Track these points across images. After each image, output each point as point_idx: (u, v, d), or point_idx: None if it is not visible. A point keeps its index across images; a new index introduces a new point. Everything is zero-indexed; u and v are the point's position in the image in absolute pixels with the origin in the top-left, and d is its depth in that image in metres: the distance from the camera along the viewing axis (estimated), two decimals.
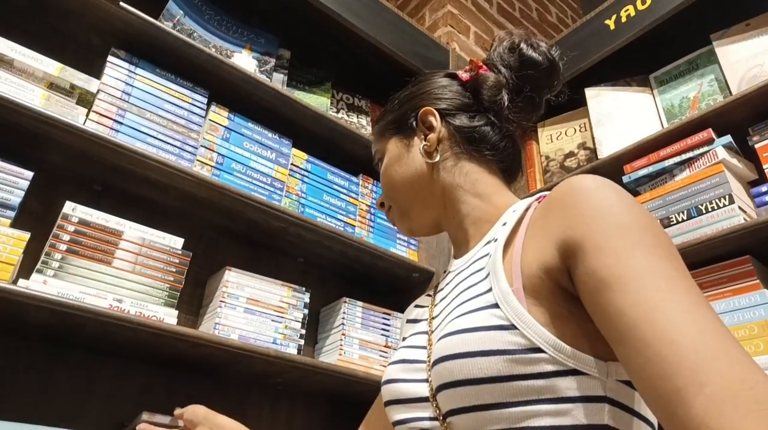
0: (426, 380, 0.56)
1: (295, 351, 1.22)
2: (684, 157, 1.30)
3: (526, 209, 0.58)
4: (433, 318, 0.64)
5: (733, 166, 1.24)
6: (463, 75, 0.71)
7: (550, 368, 0.46)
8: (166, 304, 1.08)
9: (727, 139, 1.25)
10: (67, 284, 0.97)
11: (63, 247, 1.00)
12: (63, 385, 1.07)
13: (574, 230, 0.47)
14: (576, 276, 0.46)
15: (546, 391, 0.46)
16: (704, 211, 1.21)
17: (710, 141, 1.26)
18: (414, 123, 0.71)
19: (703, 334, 0.37)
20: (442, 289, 0.68)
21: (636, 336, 0.39)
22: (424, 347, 0.60)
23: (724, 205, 1.18)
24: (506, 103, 0.68)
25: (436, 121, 0.69)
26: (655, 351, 0.38)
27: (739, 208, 1.16)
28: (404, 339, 0.69)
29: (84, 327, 0.98)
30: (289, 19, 1.56)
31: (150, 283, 1.07)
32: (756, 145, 1.22)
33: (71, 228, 1.02)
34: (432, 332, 0.61)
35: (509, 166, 0.71)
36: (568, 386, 0.46)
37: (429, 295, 0.73)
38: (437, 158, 0.68)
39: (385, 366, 1.37)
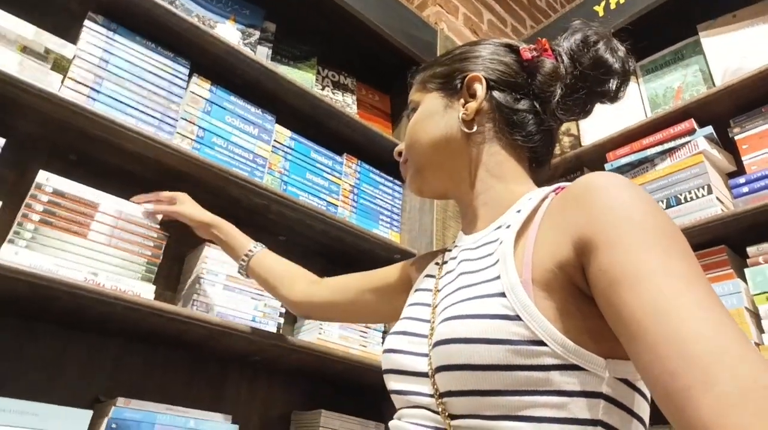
0: (426, 355, 0.56)
1: (274, 329, 1.21)
2: (666, 146, 1.31)
3: (542, 200, 0.57)
4: (438, 290, 0.63)
5: (713, 157, 1.26)
6: (526, 53, 0.67)
7: (550, 361, 0.46)
8: (144, 278, 1.05)
9: (709, 130, 1.26)
10: (40, 255, 0.94)
11: (36, 217, 0.97)
12: (36, 359, 1.04)
13: (590, 227, 0.47)
14: (590, 273, 0.46)
15: (544, 383, 0.46)
16: (683, 201, 1.23)
17: (692, 131, 1.28)
18: (459, 85, 0.68)
19: (716, 333, 0.37)
20: (447, 262, 0.67)
21: (647, 333, 0.39)
22: (427, 321, 0.60)
23: (703, 196, 1.20)
24: (557, 97, 0.64)
25: (481, 90, 0.66)
26: (666, 349, 0.38)
27: (717, 198, 1.19)
28: (409, 306, 0.67)
29: (58, 300, 0.96)
30: None
31: (127, 257, 1.05)
32: (736, 137, 1.24)
33: (45, 198, 0.99)
34: (435, 306, 0.60)
35: (538, 158, 0.69)
36: (566, 380, 0.46)
37: (437, 263, 0.71)
38: (474, 129, 0.65)
39: (364, 346, 1.37)
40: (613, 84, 0.65)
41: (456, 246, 0.67)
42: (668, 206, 1.25)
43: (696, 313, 0.38)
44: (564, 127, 1.66)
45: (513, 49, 0.69)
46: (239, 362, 1.30)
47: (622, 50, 0.65)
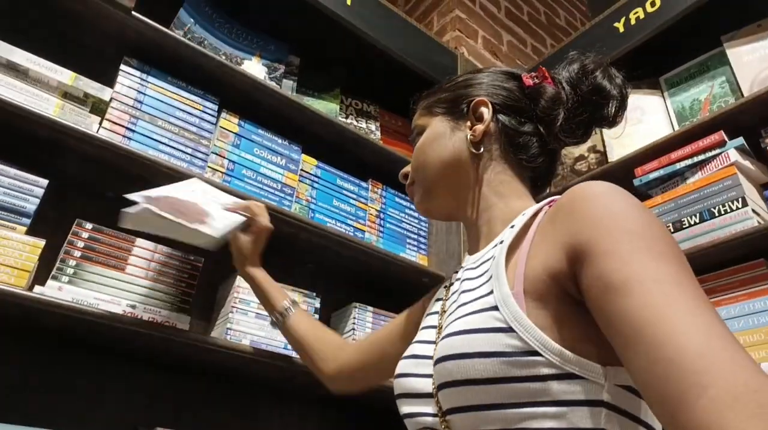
0: (431, 375, 0.57)
1: None
2: (696, 159, 1.29)
3: (536, 213, 0.58)
4: (444, 311, 0.64)
5: (746, 169, 1.23)
6: (528, 80, 0.70)
7: (546, 371, 0.46)
8: (179, 309, 1.08)
9: (740, 141, 1.24)
10: (81, 290, 0.98)
11: (77, 253, 1.01)
12: (76, 389, 1.08)
13: (582, 235, 0.47)
14: (583, 280, 0.46)
15: (542, 394, 0.46)
16: (717, 215, 1.20)
17: (722, 143, 1.25)
18: (465, 109, 0.71)
19: (709, 338, 0.37)
20: (454, 283, 0.68)
21: (641, 339, 0.39)
22: (433, 342, 0.61)
23: (737, 208, 1.17)
24: (560, 121, 0.67)
25: (488, 113, 0.69)
26: (659, 354, 0.38)
27: (753, 210, 1.15)
28: (420, 330, 0.69)
29: (98, 333, 0.99)
30: (298, 26, 1.57)
31: (162, 288, 1.08)
32: None
33: (85, 235, 1.03)
34: (441, 326, 0.62)
35: (540, 179, 0.72)
36: (564, 389, 0.46)
37: (446, 286, 0.73)
38: (481, 150, 0.68)
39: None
40: (612, 109, 0.67)
41: (462, 267, 0.69)
42: (701, 220, 1.22)
43: (688, 319, 0.38)
44: (590, 143, 1.64)
45: (514, 76, 0.73)
46: (272, 389, 1.31)
47: (619, 77, 0.68)
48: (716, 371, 0.35)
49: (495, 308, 0.51)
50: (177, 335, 1.01)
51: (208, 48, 1.37)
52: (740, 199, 1.17)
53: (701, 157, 1.28)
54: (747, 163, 1.23)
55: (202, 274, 1.16)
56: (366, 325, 1.38)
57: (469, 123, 0.70)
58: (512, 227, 0.60)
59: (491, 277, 0.55)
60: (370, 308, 1.41)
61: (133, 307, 1.02)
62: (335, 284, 1.55)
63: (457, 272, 0.70)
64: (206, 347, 1.05)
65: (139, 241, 1.09)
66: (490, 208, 0.67)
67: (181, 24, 1.36)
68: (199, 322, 1.26)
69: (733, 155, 1.22)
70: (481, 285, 0.56)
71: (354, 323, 1.37)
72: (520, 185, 0.69)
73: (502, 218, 0.65)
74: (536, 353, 0.47)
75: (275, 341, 1.19)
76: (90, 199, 1.19)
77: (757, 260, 1.14)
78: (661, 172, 1.34)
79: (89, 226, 1.04)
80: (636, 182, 1.38)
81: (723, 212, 1.19)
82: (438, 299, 0.72)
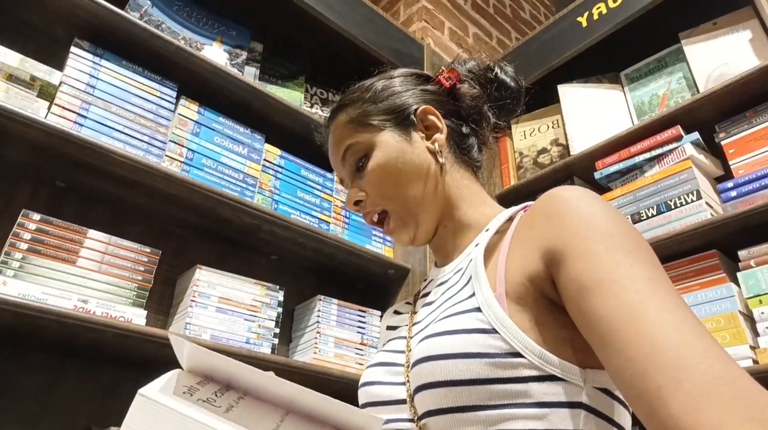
0: (403, 383, 0.57)
1: (268, 351, 1.20)
2: (653, 153, 1.32)
3: (511, 218, 0.59)
4: (414, 324, 0.63)
5: (701, 163, 1.27)
6: (445, 81, 0.70)
7: (528, 373, 0.47)
8: (135, 304, 1.04)
9: (695, 136, 1.28)
10: (28, 284, 0.93)
11: (24, 246, 0.96)
12: (26, 389, 1.02)
13: (557, 238, 0.48)
14: (559, 282, 0.47)
15: (523, 395, 0.46)
16: (673, 207, 1.24)
17: (679, 138, 1.29)
18: (414, 119, 0.67)
19: (682, 333, 0.38)
20: (424, 295, 0.67)
21: (617, 337, 0.40)
22: (403, 352, 0.60)
23: (692, 201, 1.21)
24: (489, 117, 0.69)
25: (440, 121, 0.67)
26: (635, 351, 0.38)
27: (706, 203, 1.19)
28: (384, 344, 0.69)
29: (47, 329, 0.94)
30: (262, 11, 1.53)
31: (117, 282, 1.04)
32: (722, 142, 1.25)
33: (32, 226, 0.98)
34: (411, 337, 0.61)
35: (478, 174, 0.73)
36: (545, 391, 0.47)
37: (409, 302, 0.72)
38: (443, 160, 0.66)
39: (360, 364, 1.36)
40: (512, 99, 0.71)
41: (431, 280, 0.68)
42: (658, 212, 1.26)
43: (662, 315, 0.39)
44: (553, 136, 1.67)
45: (428, 79, 0.72)
46: None
47: (512, 70, 0.72)
48: (691, 364, 0.36)
49: (478, 309, 0.51)
50: (132, 330, 0.97)
51: (166, 32, 1.31)
52: (695, 193, 1.21)
53: (659, 151, 1.31)
54: (701, 158, 1.27)
55: (159, 267, 1.11)
56: (331, 318, 1.37)
57: (421, 134, 0.67)
58: (487, 230, 0.60)
59: (471, 278, 0.55)
60: (335, 301, 1.40)
61: (85, 302, 0.98)
62: (299, 277, 1.52)
63: (427, 286, 0.69)
64: (164, 342, 1.01)
65: (92, 232, 1.04)
66: (463, 217, 0.66)
67: (137, 6, 1.30)
68: (156, 317, 1.22)
69: (689, 149, 1.26)
70: (461, 288, 0.56)
71: (318, 316, 1.35)
72: (479, 188, 0.69)
73: (474, 224, 0.65)
74: (519, 355, 0.47)
75: (236, 336, 1.17)
76: (38, 189, 1.13)
77: (710, 251, 1.18)
78: (621, 165, 1.37)
79: (37, 217, 0.99)
80: (597, 175, 1.41)
81: (679, 205, 1.23)
82: (398, 312, 0.72)
